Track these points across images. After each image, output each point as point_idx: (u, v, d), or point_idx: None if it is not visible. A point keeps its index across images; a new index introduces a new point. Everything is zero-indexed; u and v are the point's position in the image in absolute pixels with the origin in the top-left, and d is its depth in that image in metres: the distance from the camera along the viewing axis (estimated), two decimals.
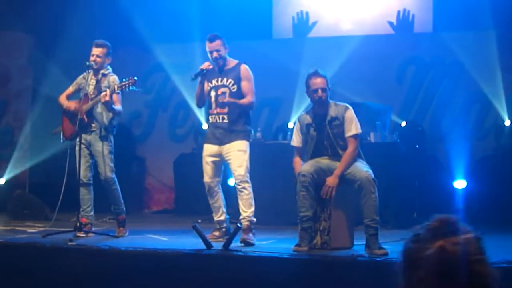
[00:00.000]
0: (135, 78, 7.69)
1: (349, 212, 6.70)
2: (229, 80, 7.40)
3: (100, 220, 9.12)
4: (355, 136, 6.75)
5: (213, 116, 7.48)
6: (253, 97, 7.41)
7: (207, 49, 7.49)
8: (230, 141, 7.32)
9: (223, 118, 7.38)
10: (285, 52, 11.43)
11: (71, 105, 7.93)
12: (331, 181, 6.60)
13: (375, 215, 6.45)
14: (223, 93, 7.40)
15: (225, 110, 7.38)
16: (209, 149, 7.48)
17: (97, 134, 7.83)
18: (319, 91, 6.74)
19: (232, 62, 7.52)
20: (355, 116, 6.83)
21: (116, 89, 7.65)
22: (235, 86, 7.39)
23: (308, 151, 6.88)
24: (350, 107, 6.88)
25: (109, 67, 7.98)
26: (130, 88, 7.69)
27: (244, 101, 7.34)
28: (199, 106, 7.81)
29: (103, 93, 7.62)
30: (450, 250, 1.95)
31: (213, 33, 7.51)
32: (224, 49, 7.45)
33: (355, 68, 11.18)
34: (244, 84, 7.39)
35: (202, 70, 7.43)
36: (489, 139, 10.79)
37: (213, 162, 7.45)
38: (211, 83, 7.50)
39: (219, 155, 7.40)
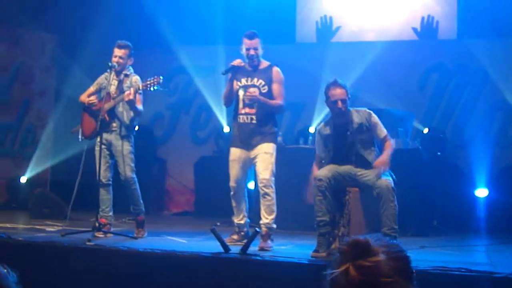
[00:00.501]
0: (161, 77, 7.70)
1: (369, 218, 6.66)
2: (260, 81, 7.33)
3: (119, 221, 9.13)
4: (387, 134, 6.78)
5: (241, 116, 7.36)
6: (283, 101, 7.35)
7: (244, 46, 7.37)
8: (257, 143, 7.24)
9: (251, 119, 7.29)
10: (308, 56, 11.41)
11: (94, 100, 7.93)
12: (382, 160, 6.59)
13: (393, 223, 6.41)
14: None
15: (253, 110, 7.29)
16: (235, 153, 7.39)
17: (117, 134, 7.84)
18: (339, 102, 6.69)
19: (264, 63, 7.44)
20: (378, 119, 6.85)
21: (141, 87, 7.67)
22: (265, 87, 7.31)
23: (327, 159, 6.86)
24: (372, 111, 6.87)
25: (131, 68, 8.00)
26: (155, 87, 7.69)
27: (274, 102, 7.28)
28: (227, 105, 7.68)
29: (126, 92, 7.64)
30: (353, 273, 1.98)
31: (252, 31, 7.41)
32: (261, 48, 7.39)
33: (378, 74, 11.14)
34: (275, 87, 7.32)
35: (233, 66, 7.38)
36: None
37: (240, 166, 7.37)
38: (240, 82, 7.40)
39: (246, 158, 7.33)
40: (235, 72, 7.42)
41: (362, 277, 1.97)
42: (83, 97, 8.10)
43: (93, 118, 7.89)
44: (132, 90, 7.63)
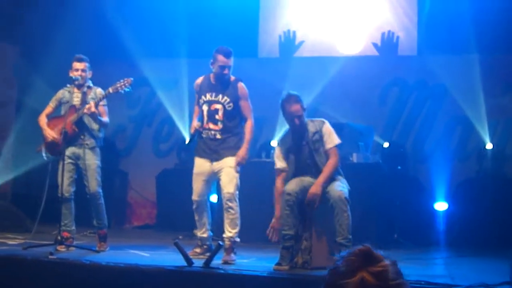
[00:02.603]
0: (131, 78, 7.70)
1: (331, 232, 6.72)
2: (225, 98, 7.31)
3: (80, 234, 9.08)
4: (335, 147, 6.81)
5: (205, 131, 7.36)
6: (252, 117, 7.38)
7: (218, 63, 7.29)
8: (221, 157, 7.26)
9: (215, 134, 7.32)
10: (270, 71, 11.46)
11: (52, 136, 7.87)
12: (314, 189, 6.61)
13: (347, 233, 6.49)
14: (216, 109, 7.33)
15: (219, 127, 7.30)
16: (200, 166, 7.40)
17: (86, 147, 7.82)
18: (295, 119, 6.81)
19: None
20: (332, 129, 6.91)
21: (111, 91, 7.65)
22: (231, 105, 7.30)
23: (290, 172, 6.91)
24: (326, 121, 6.96)
25: (90, 81, 7.99)
26: (126, 89, 7.69)
27: (248, 136, 7.31)
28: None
29: (87, 105, 7.63)
30: (370, 280, 2.05)
31: (228, 48, 7.35)
32: (231, 68, 7.37)
33: (340, 88, 11.24)
34: (243, 104, 7.34)
35: (195, 132, 7.37)
36: (471, 161, 10.84)
37: (204, 180, 7.38)
38: (205, 96, 7.39)
39: (211, 173, 7.34)
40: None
41: (378, 283, 2.04)
42: (42, 120, 8.02)
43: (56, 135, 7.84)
44: (92, 103, 7.62)
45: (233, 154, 7.27)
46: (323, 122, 6.91)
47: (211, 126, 7.33)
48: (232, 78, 7.43)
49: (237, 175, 7.24)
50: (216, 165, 7.27)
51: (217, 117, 7.31)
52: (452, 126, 11.08)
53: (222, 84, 7.38)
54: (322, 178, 6.66)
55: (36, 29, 11.84)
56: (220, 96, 7.33)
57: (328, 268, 2.15)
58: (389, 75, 11.50)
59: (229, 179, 7.19)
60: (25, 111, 11.50)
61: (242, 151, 7.24)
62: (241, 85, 7.40)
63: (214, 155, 7.30)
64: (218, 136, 7.30)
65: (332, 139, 6.83)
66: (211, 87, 7.41)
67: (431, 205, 10.20)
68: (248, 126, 7.33)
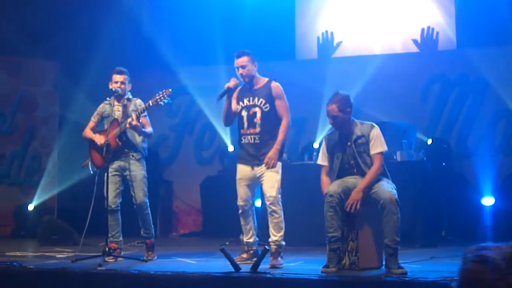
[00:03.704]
0: (170, 89, 7.72)
1: (377, 232, 6.66)
2: (260, 100, 7.28)
3: (128, 244, 9.15)
4: (380, 154, 6.74)
5: (245, 136, 7.33)
6: (289, 115, 7.29)
7: (235, 66, 7.38)
8: (262, 161, 7.21)
9: (255, 139, 7.27)
10: (309, 72, 11.46)
11: (100, 138, 7.93)
12: (355, 194, 6.56)
13: (395, 235, 6.41)
14: (254, 112, 7.31)
15: (257, 130, 7.25)
16: (242, 171, 7.38)
17: (132, 158, 7.86)
18: (329, 119, 6.79)
19: (262, 80, 7.39)
20: (381, 135, 6.81)
21: (151, 104, 7.67)
22: (267, 105, 7.26)
23: (335, 170, 6.87)
24: (376, 126, 6.87)
25: (129, 93, 8.04)
26: (165, 100, 7.70)
27: (282, 133, 7.23)
28: (226, 124, 7.66)
29: (129, 119, 7.66)
30: None
31: (240, 50, 7.40)
32: (251, 65, 7.32)
33: (380, 87, 11.20)
34: (278, 103, 7.26)
35: (228, 88, 7.34)
36: None
37: (247, 185, 7.36)
38: (243, 102, 7.36)
39: (253, 177, 7.31)
40: (230, 93, 7.40)
41: None
42: (88, 132, 8.09)
43: (101, 149, 7.85)
44: (134, 115, 7.65)
45: None
46: (372, 127, 6.84)
47: (251, 130, 7.30)
48: (265, 79, 7.41)
49: (278, 178, 7.19)
50: (258, 169, 7.25)
51: (255, 120, 7.28)
52: (495, 119, 10.95)
53: (252, 86, 7.36)
54: (363, 184, 6.61)
55: (74, 44, 12.00)
56: (256, 99, 7.30)
57: (466, 256, 2.03)
58: (429, 71, 11.41)
59: (271, 183, 7.16)
60: (68, 126, 11.67)
61: (271, 152, 7.19)
62: (274, 84, 7.34)
63: (255, 161, 7.26)
64: (258, 140, 7.26)
65: (378, 144, 6.75)
66: (246, 92, 7.40)
67: (478, 201, 10.09)
68: (283, 125, 7.26)
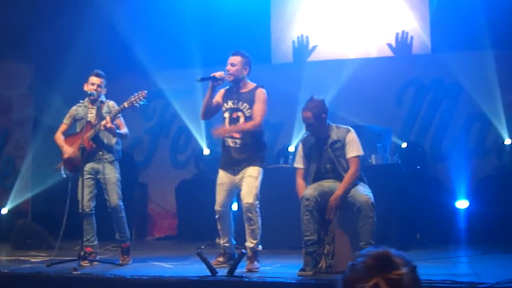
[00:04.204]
0: (145, 91, 7.70)
1: (353, 235, 6.69)
2: (244, 104, 7.26)
3: (103, 248, 9.11)
4: (356, 158, 6.78)
5: (228, 139, 7.31)
6: (261, 119, 7.19)
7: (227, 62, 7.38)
8: (242, 167, 7.21)
9: (236, 143, 7.25)
10: (284, 76, 11.47)
11: (70, 153, 7.90)
12: (333, 201, 6.62)
13: (370, 239, 6.45)
14: (238, 116, 7.29)
15: (239, 134, 7.23)
16: (223, 177, 7.35)
17: (105, 161, 7.84)
18: (306, 125, 6.85)
19: (250, 85, 7.37)
20: (357, 138, 6.85)
21: (126, 105, 7.65)
22: (249, 111, 7.23)
23: (311, 174, 6.90)
24: (352, 130, 6.91)
25: (103, 96, 8.01)
26: (141, 102, 7.68)
27: (248, 126, 7.17)
28: (203, 117, 7.57)
29: (103, 121, 7.63)
30: (384, 287, 2.03)
31: (239, 50, 7.41)
32: (241, 67, 7.30)
33: (355, 91, 11.25)
34: (255, 106, 7.21)
35: (213, 77, 7.25)
36: (490, 158, 10.81)
37: (226, 190, 7.34)
38: (227, 103, 7.35)
39: (233, 183, 7.29)
40: (214, 82, 7.29)
41: None
42: (59, 137, 8.05)
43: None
44: (108, 118, 7.62)
45: (254, 164, 7.20)
46: (348, 131, 6.88)
47: (234, 134, 7.27)
48: (253, 84, 7.39)
49: (257, 184, 7.16)
50: (238, 175, 7.24)
51: (238, 124, 7.29)
52: (469, 123, 11.03)
53: (239, 88, 7.34)
54: (341, 190, 6.65)
55: (50, 46, 11.93)
56: (241, 103, 7.28)
57: (348, 265, 2.13)
58: (404, 76, 11.48)
59: (249, 189, 7.13)
60: (43, 129, 11.58)
61: (229, 127, 7.23)
62: (260, 90, 7.30)
63: (237, 167, 7.24)
64: (238, 145, 7.24)
65: (354, 149, 6.79)
66: (233, 94, 7.37)
67: (452, 204, 10.17)
68: (251, 122, 7.19)
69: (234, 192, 7.40)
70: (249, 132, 7.22)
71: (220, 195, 7.36)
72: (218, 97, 7.48)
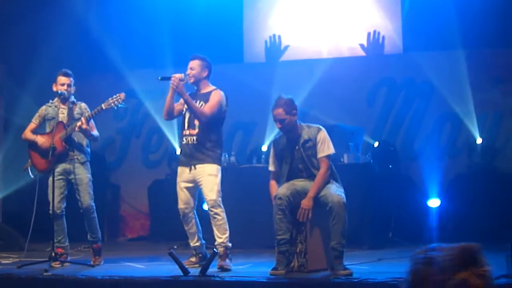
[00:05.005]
0: (123, 93, 7.67)
1: (325, 234, 6.70)
2: (201, 103, 7.35)
3: (74, 249, 9.04)
4: (327, 157, 6.78)
5: (185, 137, 7.40)
6: (210, 113, 7.24)
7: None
8: (200, 163, 7.26)
9: (193, 140, 7.31)
10: (257, 76, 11.48)
11: (44, 141, 7.82)
12: (306, 203, 6.62)
13: (342, 238, 6.47)
14: None
15: (196, 131, 7.30)
16: (182, 174, 7.41)
17: (77, 162, 7.78)
18: (277, 123, 6.83)
19: (209, 88, 7.46)
20: (327, 137, 6.85)
21: (104, 107, 7.60)
22: None
23: (284, 175, 6.90)
24: (323, 129, 6.91)
25: (73, 96, 7.95)
26: (120, 104, 7.65)
27: (198, 108, 7.25)
28: (165, 117, 7.64)
29: (78, 123, 7.58)
30: (473, 284, 1.98)
31: (198, 54, 7.50)
32: (200, 69, 7.39)
33: (327, 90, 11.26)
34: (208, 104, 7.31)
35: (173, 77, 7.30)
36: (461, 157, 10.86)
37: (187, 188, 7.39)
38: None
39: (192, 180, 7.34)
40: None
41: (483, 286, 1.97)
42: (28, 134, 7.98)
43: (44, 152, 7.75)
44: (83, 119, 7.58)
45: (212, 162, 7.28)
46: (319, 130, 6.88)
47: (191, 131, 7.36)
48: (212, 87, 7.49)
49: (217, 181, 7.25)
50: (196, 173, 7.27)
51: (195, 122, 7.33)
52: (441, 122, 11.08)
53: (198, 90, 7.47)
54: (313, 191, 6.65)
55: (20, 46, 11.82)
56: (198, 101, 7.38)
57: (414, 257, 2.06)
58: (376, 75, 11.50)
59: (210, 187, 7.20)
60: (13, 129, 11.45)
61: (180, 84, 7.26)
62: (215, 91, 7.41)
63: (193, 160, 7.30)
64: (195, 142, 7.31)
65: (324, 148, 6.79)
66: (193, 95, 7.48)
67: (424, 203, 10.20)
68: (202, 108, 7.29)
69: (195, 190, 7.43)
70: (196, 114, 7.27)
71: (181, 193, 7.43)
72: (181, 100, 7.53)
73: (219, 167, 7.34)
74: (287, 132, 6.87)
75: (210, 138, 7.32)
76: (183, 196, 7.42)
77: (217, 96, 7.37)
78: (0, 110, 12.26)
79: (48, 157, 7.57)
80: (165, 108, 7.52)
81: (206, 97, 7.38)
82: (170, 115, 7.61)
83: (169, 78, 7.35)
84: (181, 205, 7.43)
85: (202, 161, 7.27)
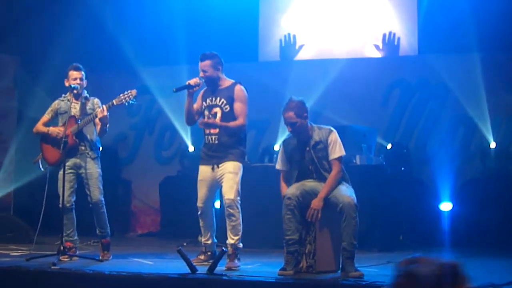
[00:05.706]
0: (135, 90, 7.66)
1: (335, 235, 6.67)
2: (222, 100, 7.26)
3: (84, 244, 9.06)
4: (338, 159, 6.74)
5: (206, 136, 7.32)
6: (245, 120, 7.25)
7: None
8: (222, 162, 7.20)
9: (214, 139, 7.25)
10: (271, 75, 11.46)
11: (57, 131, 7.82)
12: (316, 203, 6.58)
13: (353, 239, 6.43)
14: (215, 113, 7.30)
15: (216, 130, 7.23)
16: (203, 173, 7.35)
17: (87, 156, 7.78)
18: (288, 126, 6.80)
19: (227, 82, 7.37)
20: (338, 139, 6.81)
21: (115, 103, 7.60)
22: (227, 106, 7.24)
23: (293, 175, 6.87)
24: (334, 130, 6.86)
25: (85, 91, 7.95)
26: (131, 101, 7.64)
27: (232, 124, 7.19)
28: (187, 123, 7.64)
29: (99, 109, 7.57)
30: None
31: (206, 52, 7.37)
32: (212, 69, 7.28)
33: (341, 90, 11.22)
34: (236, 106, 7.23)
35: (188, 85, 7.27)
36: (474, 161, 10.79)
37: (207, 186, 7.33)
38: (206, 102, 7.36)
39: (213, 178, 7.28)
40: (190, 90, 7.32)
41: None
42: (40, 127, 7.97)
43: (56, 145, 7.76)
44: (104, 106, 7.58)
45: (234, 159, 7.21)
46: (330, 132, 6.83)
47: (211, 130, 7.28)
48: (230, 81, 7.39)
49: (237, 180, 7.18)
50: (218, 171, 7.22)
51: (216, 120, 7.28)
52: (454, 126, 11.02)
53: (216, 87, 7.35)
54: (324, 192, 6.61)
55: (35, 39, 11.85)
56: (218, 99, 7.30)
57: (397, 270, 2.04)
58: (390, 76, 11.45)
59: (230, 185, 7.13)
60: (26, 122, 11.46)
61: (213, 119, 7.22)
62: (238, 87, 7.32)
63: (214, 159, 7.25)
64: (216, 141, 7.24)
65: (336, 150, 6.75)
66: (210, 92, 7.40)
67: (436, 206, 10.16)
68: (236, 122, 7.22)
69: (216, 188, 7.39)
70: (231, 129, 7.22)
71: (201, 191, 7.36)
72: (198, 99, 7.51)
73: (240, 165, 7.26)
74: (298, 134, 6.82)
75: (232, 137, 7.26)
76: (203, 195, 7.36)
77: (242, 94, 7.30)
78: (13, 102, 12.28)
79: (59, 149, 7.56)
80: (185, 116, 7.51)
81: (228, 92, 7.29)
82: (191, 121, 7.57)
83: (184, 88, 7.32)
84: (199, 203, 7.38)
85: (224, 159, 7.21)
